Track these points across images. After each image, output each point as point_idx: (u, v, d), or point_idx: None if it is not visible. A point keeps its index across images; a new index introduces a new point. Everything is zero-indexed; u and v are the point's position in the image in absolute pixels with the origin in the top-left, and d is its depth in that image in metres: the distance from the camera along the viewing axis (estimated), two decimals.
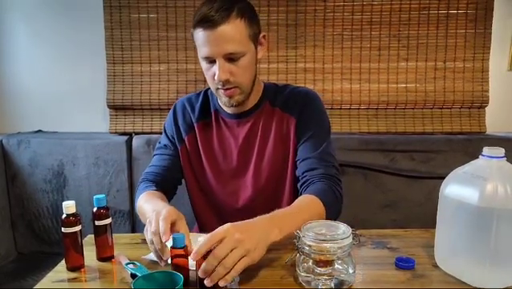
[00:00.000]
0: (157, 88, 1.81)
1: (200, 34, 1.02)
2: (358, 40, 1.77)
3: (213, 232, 0.77)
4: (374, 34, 1.76)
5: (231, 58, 1.03)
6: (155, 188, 1.12)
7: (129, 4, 1.75)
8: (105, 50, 1.79)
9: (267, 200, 1.16)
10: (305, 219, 0.86)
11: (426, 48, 1.77)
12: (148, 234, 0.85)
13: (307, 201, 0.98)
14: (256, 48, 1.09)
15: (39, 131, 1.87)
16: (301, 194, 1.05)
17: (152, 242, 0.84)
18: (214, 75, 1.04)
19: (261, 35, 1.10)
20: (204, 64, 1.07)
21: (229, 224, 0.79)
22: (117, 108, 1.83)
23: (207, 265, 0.74)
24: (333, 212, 1.00)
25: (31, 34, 1.83)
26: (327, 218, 0.96)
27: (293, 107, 1.15)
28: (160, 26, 1.77)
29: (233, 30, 1.00)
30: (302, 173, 1.09)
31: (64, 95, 1.87)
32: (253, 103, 1.17)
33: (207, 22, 0.99)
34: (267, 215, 0.87)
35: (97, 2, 1.75)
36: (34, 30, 1.82)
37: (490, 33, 1.74)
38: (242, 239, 0.76)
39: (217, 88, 1.08)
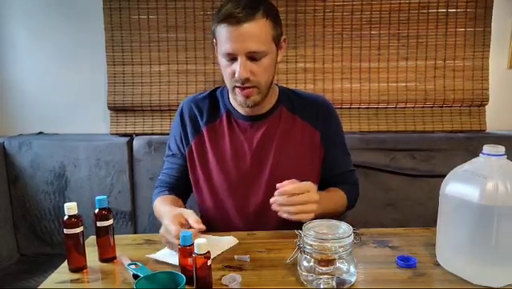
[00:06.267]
0: (158, 89, 1.81)
1: (223, 30, 1.01)
2: (358, 39, 1.77)
3: (303, 183, 0.97)
4: (374, 34, 1.76)
5: (253, 56, 1.03)
6: (168, 192, 1.18)
7: (129, 5, 1.76)
8: (105, 52, 1.79)
9: None
10: (334, 207, 1.12)
11: (426, 47, 1.77)
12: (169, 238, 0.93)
13: (341, 196, 1.18)
14: (277, 50, 1.09)
15: (40, 133, 1.88)
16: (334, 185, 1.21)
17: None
18: (234, 72, 1.04)
19: (282, 38, 1.11)
20: (223, 61, 1.06)
21: (313, 185, 0.99)
22: (118, 110, 1.84)
23: (284, 202, 0.95)
24: (349, 208, 1.22)
25: (32, 37, 1.83)
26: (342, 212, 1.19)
27: (315, 119, 1.18)
28: (160, 27, 1.77)
29: (258, 28, 1.01)
30: (337, 181, 1.21)
31: (65, 97, 1.87)
32: (269, 107, 1.17)
33: (233, 18, 0.99)
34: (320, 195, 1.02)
35: (97, 4, 1.75)
36: (35, 32, 1.83)
37: (490, 31, 1.75)
38: (316, 202, 0.97)
39: (235, 87, 1.07)
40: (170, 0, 1.75)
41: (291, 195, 0.95)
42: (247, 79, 1.03)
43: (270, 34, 1.04)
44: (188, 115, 1.21)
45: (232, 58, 1.03)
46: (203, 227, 0.92)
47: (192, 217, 0.93)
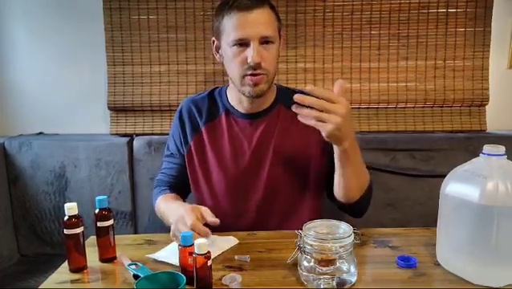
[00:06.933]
0: (158, 90, 1.81)
1: (232, 19, 1.03)
2: (358, 39, 1.77)
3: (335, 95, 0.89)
4: (374, 34, 1.76)
5: (265, 42, 1.05)
6: (169, 191, 1.19)
7: (129, 6, 1.76)
8: (105, 52, 1.79)
9: (279, 202, 1.17)
10: (363, 170, 1.07)
11: (426, 47, 1.77)
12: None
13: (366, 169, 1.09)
14: (279, 42, 1.12)
15: (41, 133, 1.88)
16: None
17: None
18: (244, 59, 1.04)
19: (281, 32, 1.14)
20: (232, 50, 1.06)
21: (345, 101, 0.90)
22: (118, 110, 1.84)
23: (319, 105, 0.87)
24: (370, 190, 1.12)
25: (32, 37, 1.83)
26: (365, 199, 1.11)
27: None
28: (160, 27, 1.77)
29: (267, 15, 1.05)
30: None
31: (65, 97, 1.87)
32: (267, 105, 1.18)
33: (243, 5, 1.02)
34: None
35: (97, 4, 1.75)
36: (35, 32, 1.82)
37: (490, 31, 1.74)
38: (343, 116, 0.88)
39: (245, 75, 1.07)
40: (170, 0, 1.75)
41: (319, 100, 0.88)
42: (259, 65, 1.04)
43: (275, 23, 1.08)
44: (188, 115, 1.22)
45: (242, 44, 1.04)
46: (217, 221, 0.95)
47: (208, 213, 0.96)
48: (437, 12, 1.74)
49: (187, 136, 1.21)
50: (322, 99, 0.88)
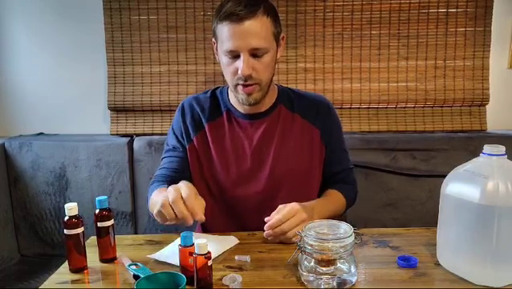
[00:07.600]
0: (158, 90, 1.81)
1: (225, 28, 1.02)
2: (358, 39, 1.77)
3: (287, 209, 0.97)
4: (374, 34, 1.76)
5: (255, 53, 1.04)
6: (167, 185, 1.10)
7: (129, 6, 1.76)
8: (105, 52, 1.79)
9: (279, 202, 1.16)
10: (333, 210, 1.13)
11: (426, 47, 1.77)
12: (168, 205, 0.87)
13: (339, 199, 1.19)
14: (277, 48, 1.11)
15: (41, 133, 1.88)
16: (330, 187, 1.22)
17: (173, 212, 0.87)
18: (236, 70, 1.05)
19: (281, 36, 1.12)
20: (225, 59, 1.07)
21: (297, 204, 0.98)
22: (118, 110, 1.84)
23: (275, 232, 0.96)
24: (349, 206, 1.24)
25: (32, 37, 1.83)
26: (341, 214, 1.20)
27: (314, 117, 1.19)
28: (160, 27, 1.77)
29: (260, 25, 1.02)
30: (337, 179, 1.24)
31: (65, 97, 1.87)
32: (268, 105, 1.18)
33: (234, 16, 1.00)
34: (314, 204, 1.06)
35: (97, 5, 1.76)
36: (35, 32, 1.83)
37: (490, 31, 1.75)
38: (305, 219, 0.96)
39: (237, 84, 1.07)
40: (170, 0, 1.75)
41: (281, 223, 0.96)
42: (250, 76, 1.04)
43: (270, 31, 1.06)
44: (190, 111, 1.21)
45: (234, 55, 1.04)
46: (202, 218, 0.89)
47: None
48: (437, 12, 1.74)
49: (189, 131, 1.19)
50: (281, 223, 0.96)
